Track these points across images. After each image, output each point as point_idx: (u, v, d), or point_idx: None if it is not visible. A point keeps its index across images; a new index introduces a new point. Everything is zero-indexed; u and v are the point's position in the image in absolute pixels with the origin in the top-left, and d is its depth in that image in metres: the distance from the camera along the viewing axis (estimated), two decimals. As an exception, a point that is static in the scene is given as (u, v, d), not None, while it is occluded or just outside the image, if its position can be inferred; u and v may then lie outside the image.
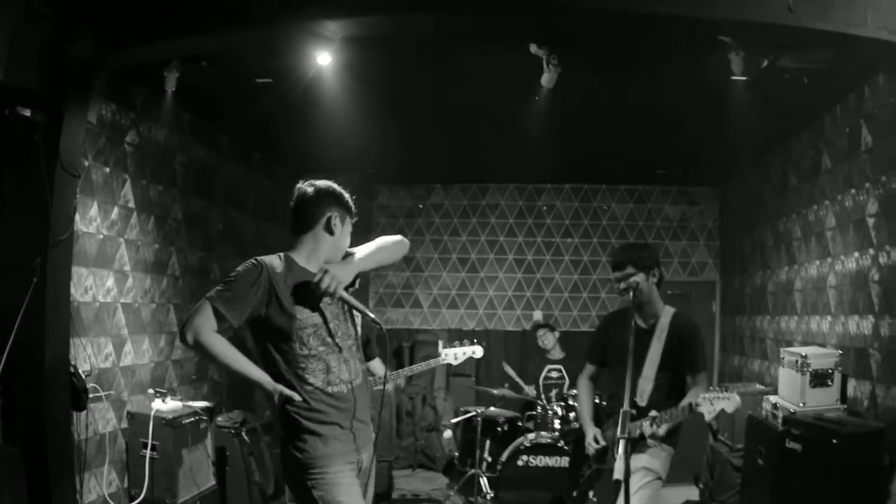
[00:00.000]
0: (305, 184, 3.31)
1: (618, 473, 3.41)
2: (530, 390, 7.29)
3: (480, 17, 4.28)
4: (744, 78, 4.77)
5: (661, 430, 3.95)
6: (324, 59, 4.99)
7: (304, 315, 3.07)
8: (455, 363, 5.51)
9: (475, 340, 5.66)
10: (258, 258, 3.09)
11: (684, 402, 3.95)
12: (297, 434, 3.04)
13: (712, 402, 3.75)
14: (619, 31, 4.66)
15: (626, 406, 3.56)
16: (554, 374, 7.62)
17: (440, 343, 9.51)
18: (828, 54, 4.45)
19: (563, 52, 4.77)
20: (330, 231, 3.22)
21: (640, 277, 4.15)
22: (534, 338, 8.13)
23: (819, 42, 4.19)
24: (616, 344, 4.14)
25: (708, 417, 3.82)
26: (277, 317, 3.04)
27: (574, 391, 6.89)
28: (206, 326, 2.93)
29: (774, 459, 5.13)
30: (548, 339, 7.76)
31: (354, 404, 3.14)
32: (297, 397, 3.02)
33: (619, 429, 3.49)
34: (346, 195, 3.32)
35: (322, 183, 3.30)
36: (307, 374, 3.06)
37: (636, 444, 4.03)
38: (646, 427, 3.96)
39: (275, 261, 3.12)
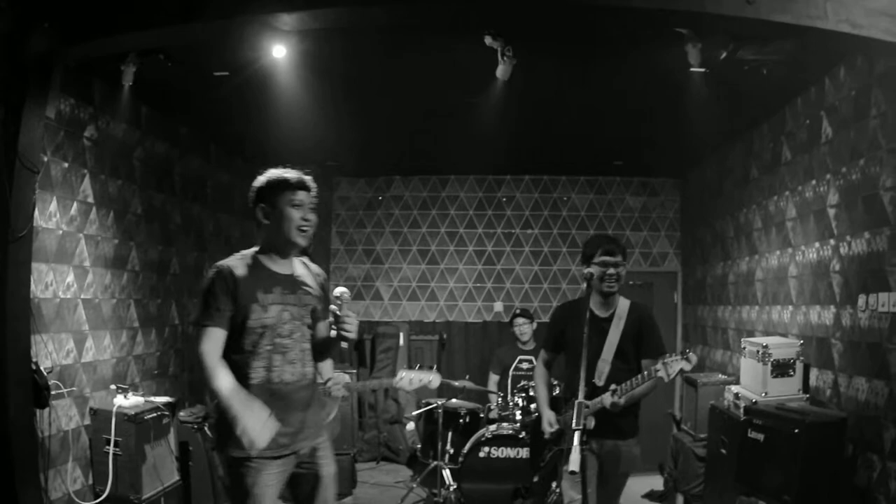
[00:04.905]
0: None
1: (574, 465, 3.46)
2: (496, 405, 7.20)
3: (434, 6, 4.28)
4: (702, 69, 4.80)
5: (622, 400, 4.06)
6: (279, 52, 4.98)
7: None
8: (409, 388, 5.17)
9: (432, 367, 5.44)
10: None
11: (643, 372, 4.07)
12: None
13: (669, 366, 3.86)
14: (576, 20, 4.64)
15: (580, 397, 3.68)
16: (525, 365, 7.67)
17: (400, 336, 9.50)
18: (787, 46, 4.49)
19: (520, 43, 4.74)
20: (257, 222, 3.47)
21: (623, 270, 4.34)
22: (507, 327, 8.18)
23: (778, 34, 4.21)
24: (574, 334, 4.20)
25: (667, 379, 3.94)
26: None
27: None
28: None
29: (737, 449, 5.17)
30: (525, 330, 7.80)
31: None
32: None
33: (573, 421, 3.59)
34: (271, 177, 3.45)
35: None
36: None
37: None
38: (606, 398, 4.08)
39: None
